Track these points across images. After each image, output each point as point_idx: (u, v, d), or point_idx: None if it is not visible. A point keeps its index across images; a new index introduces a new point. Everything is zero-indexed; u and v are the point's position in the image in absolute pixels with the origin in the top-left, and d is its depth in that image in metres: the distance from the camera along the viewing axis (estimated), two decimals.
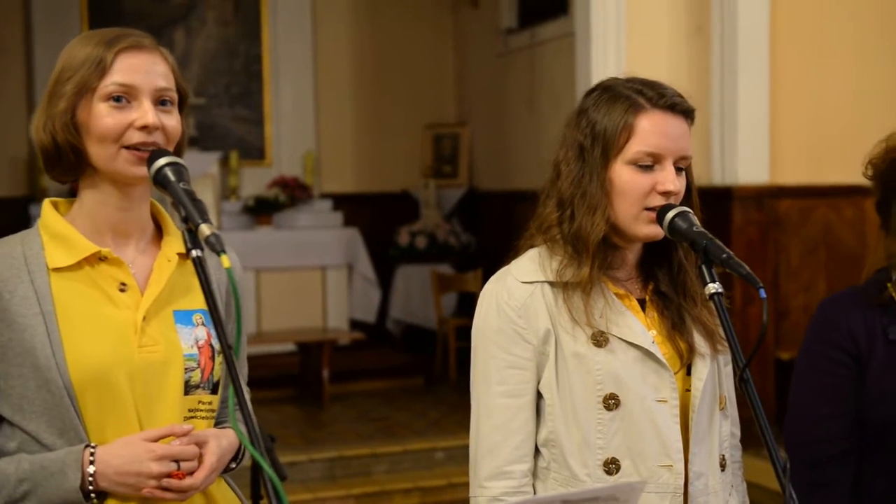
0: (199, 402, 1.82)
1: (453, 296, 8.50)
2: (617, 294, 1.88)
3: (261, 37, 8.84)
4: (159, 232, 1.89)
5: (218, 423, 1.91)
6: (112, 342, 1.74)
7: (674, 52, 5.50)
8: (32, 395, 1.72)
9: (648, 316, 1.90)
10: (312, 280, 8.32)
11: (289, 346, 7.71)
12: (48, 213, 1.83)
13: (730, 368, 1.96)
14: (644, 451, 1.83)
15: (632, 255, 1.92)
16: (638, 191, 1.83)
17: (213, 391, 1.85)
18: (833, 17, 5.63)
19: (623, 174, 1.84)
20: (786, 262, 5.57)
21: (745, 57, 5.36)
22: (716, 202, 5.27)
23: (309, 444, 5.99)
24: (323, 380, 6.94)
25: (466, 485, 1.93)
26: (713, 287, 1.71)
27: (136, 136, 1.74)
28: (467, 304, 8.05)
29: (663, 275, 1.93)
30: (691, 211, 1.82)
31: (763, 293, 1.59)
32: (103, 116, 1.74)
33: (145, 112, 1.74)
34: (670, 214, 1.80)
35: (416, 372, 7.85)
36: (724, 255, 1.71)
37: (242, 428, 1.42)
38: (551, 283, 1.86)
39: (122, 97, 1.75)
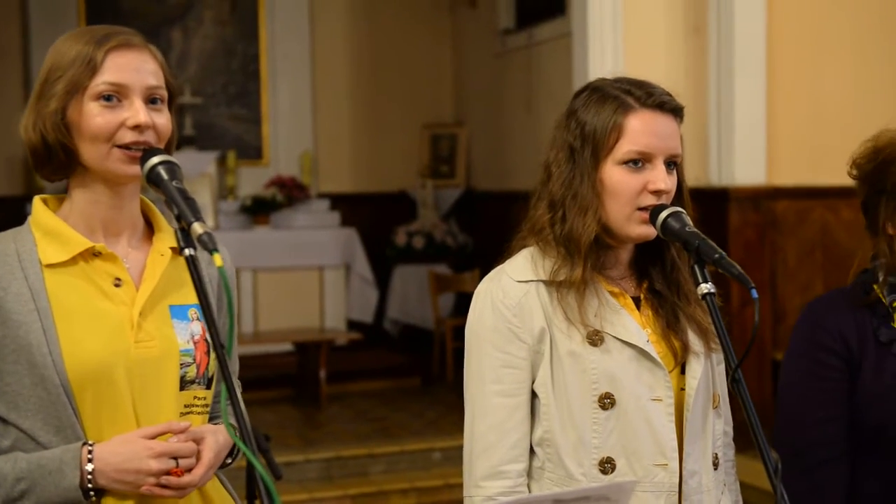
0: (195, 397, 1.82)
1: (450, 296, 8.50)
2: (612, 292, 1.88)
3: (258, 36, 8.84)
4: (150, 228, 1.89)
5: (212, 419, 1.91)
6: (108, 338, 1.74)
7: (671, 53, 5.49)
8: (28, 393, 1.71)
9: (643, 314, 1.90)
10: (310, 280, 8.31)
11: (286, 346, 7.72)
12: (39, 209, 1.82)
13: (723, 367, 1.95)
14: (639, 450, 1.83)
15: (625, 254, 1.92)
16: (629, 190, 1.83)
17: (208, 386, 1.85)
18: (831, 18, 5.63)
19: (614, 174, 1.84)
20: (783, 263, 5.56)
21: (742, 57, 5.35)
22: (712, 203, 5.26)
23: (306, 444, 5.98)
24: (320, 380, 6.93)
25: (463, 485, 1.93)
26: (705, 287, 1.71)
27: (128, 136, 1.74)
28: (464, 305, 8.00)
29: (657, 273, 1.93)
30: (684, 211, 1.82)
31: (755, 293, 1.59)
32: (95, 116, 1.74)
33: (137, 111, 1.74)
34: (663, 215, 1.80)
35: (414, 372, 7.83)
36: (717, 255, 1.70)
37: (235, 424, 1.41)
38: (546, 283, 1.86)
39: (113, 96, 1.74)
